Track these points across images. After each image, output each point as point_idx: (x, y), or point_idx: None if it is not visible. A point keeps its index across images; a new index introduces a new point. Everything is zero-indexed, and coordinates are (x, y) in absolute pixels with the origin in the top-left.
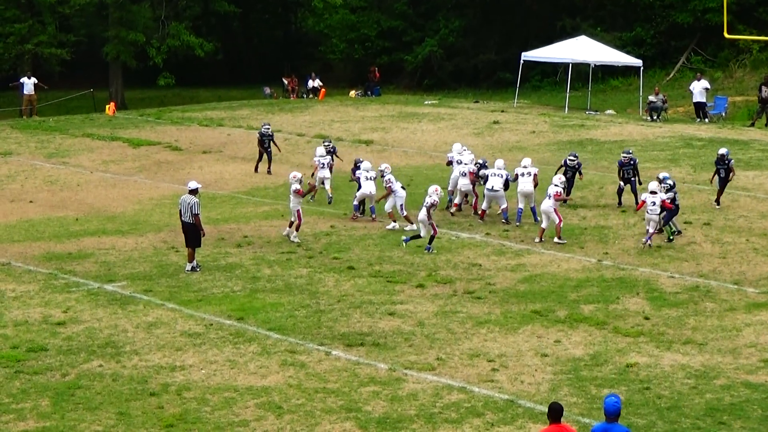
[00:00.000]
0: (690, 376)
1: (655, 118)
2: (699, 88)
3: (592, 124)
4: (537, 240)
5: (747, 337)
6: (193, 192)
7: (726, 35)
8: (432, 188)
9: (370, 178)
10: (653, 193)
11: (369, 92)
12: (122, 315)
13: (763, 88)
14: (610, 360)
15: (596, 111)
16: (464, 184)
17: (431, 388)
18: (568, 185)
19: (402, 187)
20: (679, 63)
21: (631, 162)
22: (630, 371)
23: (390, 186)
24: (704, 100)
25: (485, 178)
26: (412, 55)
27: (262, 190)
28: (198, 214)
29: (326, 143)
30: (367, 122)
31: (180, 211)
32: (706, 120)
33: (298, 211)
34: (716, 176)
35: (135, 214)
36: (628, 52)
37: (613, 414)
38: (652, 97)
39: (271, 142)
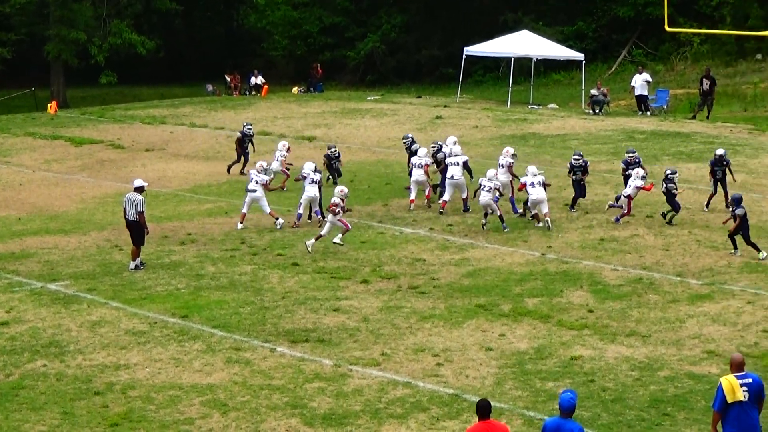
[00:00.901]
0: (634, 368)
1: (597, 111)
2: (640, 82)
3: (535, 118)
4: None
5: (690, 328)
6: (139, 190)
7: (667, 28)
8: (338, 189)
9: (315, 181)
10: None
11: (312, 88)
12: (66, 314)
13: (704, 81)
14: (555, 353)
15: (539, 105)
16: (419, 174)
17: (376, 383)
18: (579, 187)
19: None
20: (620, 56)
21: (637, 161)
22: (574, 364)
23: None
24: (646, 93)
25: (443, 167)
26: (355, 51)
27: (206, 187)
28: (143, 212)
29: (331, 149)
30: (310, 118)
31: (124, 209)
32: (648, 113)
33: (343, 222)
34: (713, 178)
35: (78, 212)
36: (570, 46)
37: (567, 410)
38: (594, 91)
39: (250, 143)
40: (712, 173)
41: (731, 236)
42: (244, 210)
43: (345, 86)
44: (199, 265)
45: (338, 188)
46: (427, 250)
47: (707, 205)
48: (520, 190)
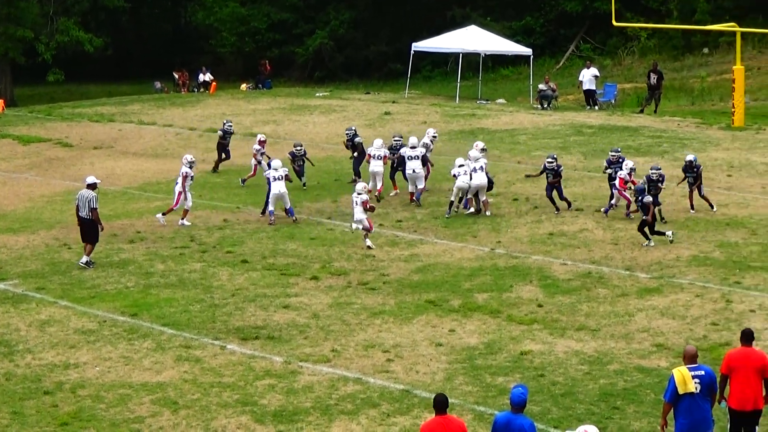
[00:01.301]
0: (584, 362)
1: (545, 106)
2: (588, 76)
3: (483, 113)
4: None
5: (639, 322)
6: (92, 187)
7: (614, 23)
8: (361, 185)
9: (280, 178)
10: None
11: (260, 85)
12: (15, 314)
13: (652, 75)
14: (505, 348)
15: (487, 100)
16: (377, 165)
17: (327, 379)
18: (557, 190)
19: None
20: (568, 51)
21: (620, 160)
22: (524, 359)
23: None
24: (594, 87)
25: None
26: (303, 47)
27: (155, 185)
28: (96, 208)
29: (297, 147)
30: (258, 115)
31: (77, 206)
32: (596, 107)
33: (367, 220)
34: (686, 182)
35: (26, 211)
36: (518, 41)
37: (518, 405)
38: (542, 86)
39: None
40: (685, 179)
41: (640, 229)
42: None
43: (293, 83)
44: (149, 263)
45: (361, 185)
46: (377, 245)
47: (692, 207)
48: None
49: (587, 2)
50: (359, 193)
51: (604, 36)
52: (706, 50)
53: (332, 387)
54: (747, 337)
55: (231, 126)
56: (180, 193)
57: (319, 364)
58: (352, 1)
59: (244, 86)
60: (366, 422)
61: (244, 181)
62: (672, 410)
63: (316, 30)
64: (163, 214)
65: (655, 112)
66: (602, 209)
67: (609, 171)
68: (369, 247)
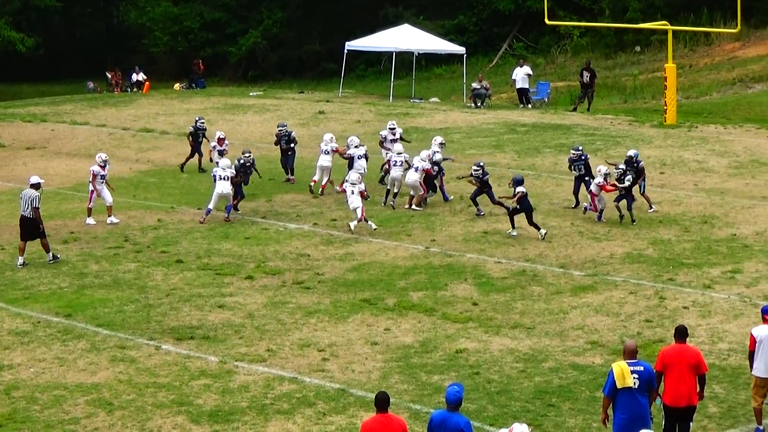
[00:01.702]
0: (519, 360)
1: (478, 104)
2: (521, 75)
3: (417, 112)
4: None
5: (574, 319)
6: (35, 186)
7: (547, 21)
8: (355, 176)
9: (225, 178)
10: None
11: (194, 85)
12: None
13: (585, 74)
14: (440, 346)
15: (421, 99)
16: (326, 160)
17: (262, 379)
18: (488, 195)
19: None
20: (501, 50)
21: (582, 158)
22: (459, 357)
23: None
24: (527, 86)
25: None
26: (236, 46)
27: (88, 185)
28: (38, 207)
29: (245, 154)
30: (192, 115)
31: (21, 205)
32: (529, 106)
33: (362, 208)
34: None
35: None
36: (451, 40)
37: (453, 403)
38: (475, 84)
39: (204, 138)
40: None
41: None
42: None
43: (227, 82)
44: (83, 264)
45: (355, 175)
46: (312, 245)
47: (650, 206)
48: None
49: (520, 1)
50: (354, 183)
51: (537, 34)
52: (638, 48)
53: (268, 386)
54: (681, 333)
55: (203, 123)
56: (92, 191)
57: (254, 364)
58: (284, 0)
59: (177, 86)
60: (302, 421)
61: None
62: (611, 405)
63: (249, 29)
64: (89, 216)
65: (588, 110)
66: (584, 207)
67: (575, 172)
68: (352, 230)
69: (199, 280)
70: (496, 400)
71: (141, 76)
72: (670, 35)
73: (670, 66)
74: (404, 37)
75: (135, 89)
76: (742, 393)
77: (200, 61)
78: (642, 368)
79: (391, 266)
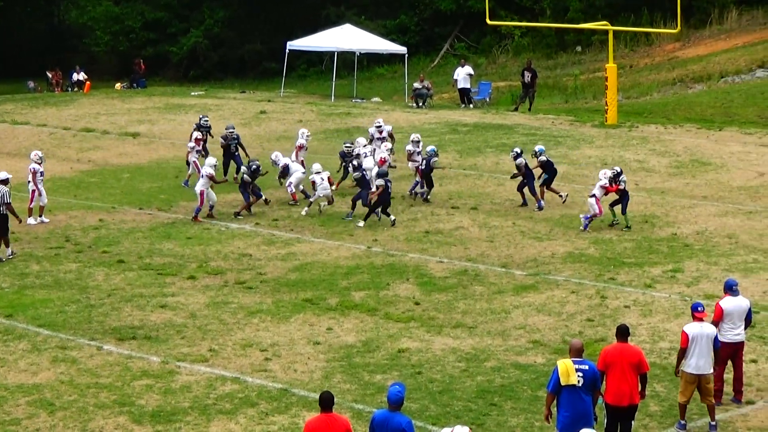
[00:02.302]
0: (461, 359)
1: (420, 104)
2: (463, 75)
3: (359, 111)
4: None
5: (515, 319)
6: (3, 182)
7: (488, 21)
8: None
9: (204, 176)
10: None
11: (135, 84)
12: None
13: (526, 73)
14: (382, 346)
15: (362, 99)
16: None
17: (204, 379)
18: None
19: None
20: (443, 50)
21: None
22: (402, 356)
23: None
24: (468, 86)
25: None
26: (178, 46)
27: (27, 185)
28: (9, 202)
29: (203, 119)
30: (133, 114)
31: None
32: (471, 106)
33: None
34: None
35: None
36: (392, 40)
37: (395, 403)
38: (417, 84)
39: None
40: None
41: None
42: None
43: (168, 82)
44: (23, 264)
45: (316, 165)
46: (254, 245)
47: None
48: None
49: (461, 1)
50: (318, 172)
51: (479, 34)
52: (579, 48)
53: (210, 386)
54: (622, 332)
55: (207, 120)
56: (33, 191)
57: (196, 364)
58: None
59: (118, 85)
60: (244, 421)
61: (186, 182)
62: (555, 403)
63: (190, 29)
64: (30, 216)
65: (530, 110)
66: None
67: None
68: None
69: (140, 280)
70: (438, 399)
71: (82, 76)
72: (611, 35)
73: (610, 66)
74: (346, 37)
75: (76, 89)
76: None
77: (141, 60)
78: (587, 367)
79: (333, 266)
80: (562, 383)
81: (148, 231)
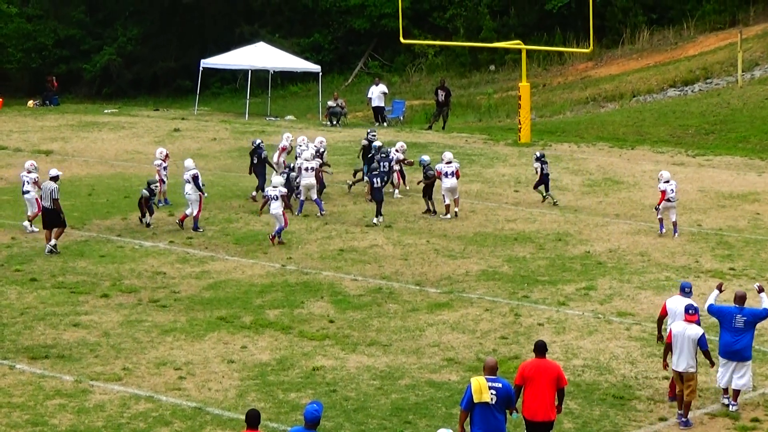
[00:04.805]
0: (375, 377)
1: (334, 122)
2: (377, 93)
3: (273, 130)
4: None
5: (430, 336)
6: (54, 179)
7: (402, 40)
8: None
9: (188, 180)
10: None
11: (47, 102)
12: None
13: (440, 92)
14: (297, 364)
15: (276, 117)
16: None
17: (118, 398)
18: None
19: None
20: (357, 68)
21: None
22: (316, 374)
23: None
24: (382, 104)
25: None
26: (91, 63)
27: None
28: (57, 198)
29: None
30: (46, 132)
31: (41, 196)
32: (385, 124)
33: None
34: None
35: None
36: (306, 58)
37: (311, 421)
38: (331, 102)
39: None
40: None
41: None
42: None
43: (81, 99)
44: None
45: (278, 179)
46: (168, 263)
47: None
48: None
49: (375, 20)
50: (275, 186)
51: (392, 53)
52: (492, 67)
53: (124, 405)
54: (540, 348)
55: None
56: None
57: (110, 383)
58: (140, 17)
59: (31, 103)
60: None
61: (166, 201)
62: (469, 420)
63: (104, 46)
64: None
65: (443, 128)
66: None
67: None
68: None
69: (53, 298)
70: (353, 417)
71: None
72: (524, 54)
73: (524, 85)
74: (260, 55)
75: None
76: (597, 409)
77: (54, 77)
78: (500, 385)
79: (247, 284)
80: (475, 400)
81: (61, 249)
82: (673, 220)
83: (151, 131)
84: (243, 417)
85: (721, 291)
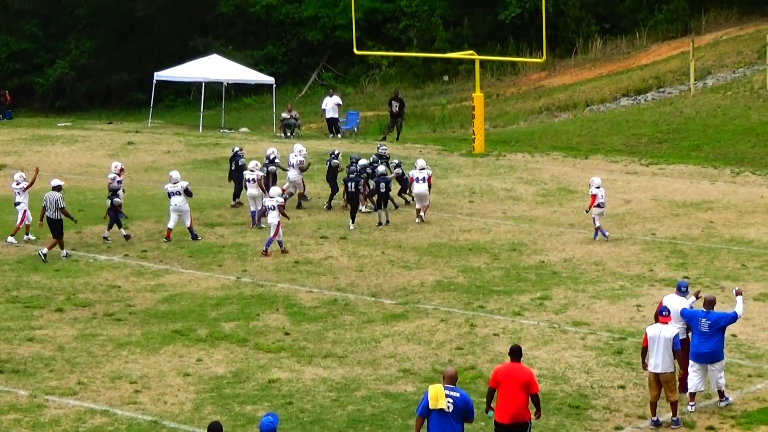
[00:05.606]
0: (332, 389)
1: (288, 134)
2: (331, 104)
3: (227, 142)
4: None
5: (385, 348)
6: (57, 188)
7: (356, 51)
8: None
9: (178, 192)
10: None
11: (0, 116)
12: None
13: (393, 103)
14: (252, 376)
15: (230, 129)
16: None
17: (74, 412)
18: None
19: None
20: (310, 80)
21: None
22: (272, 387)
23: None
24: (336, 115)
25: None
26: (44, 77)
27: None
28: (63, 207)
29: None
30: (0, 146)
31: (44, 206)
32: (339, 135)
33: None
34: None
35: None
36: (260, 70)
37: None
38: (285, 114)
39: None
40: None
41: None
42: None
43: (35, 113)
44: None
45: (275, 189)
46: (122, 276)
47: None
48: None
49: (328, 31)
50: (272, 197)
51: (346, 64)
52: (446, 78)
53: (79, 420)
54: (515, 353)
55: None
56: None
57: (65, 397)
58: (93, 30)
59: None
60: None
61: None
62: (426, 427)
63: (56, 60)
64: None
65: (397, 139)
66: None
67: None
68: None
69: (7, 313)
70: (309, 429)
71: None
72: (477, 65)
73: (477, 95)
74: (213, 67)
75: None
76: (552, 419)
77: (7, 91)
78: (458, 395)
79: (202, 297)
80: (431, 407)
81: (15, 264)
82: (597, 225)
83: (105, 144)
84: (199, 430)
85: (697, 298)
